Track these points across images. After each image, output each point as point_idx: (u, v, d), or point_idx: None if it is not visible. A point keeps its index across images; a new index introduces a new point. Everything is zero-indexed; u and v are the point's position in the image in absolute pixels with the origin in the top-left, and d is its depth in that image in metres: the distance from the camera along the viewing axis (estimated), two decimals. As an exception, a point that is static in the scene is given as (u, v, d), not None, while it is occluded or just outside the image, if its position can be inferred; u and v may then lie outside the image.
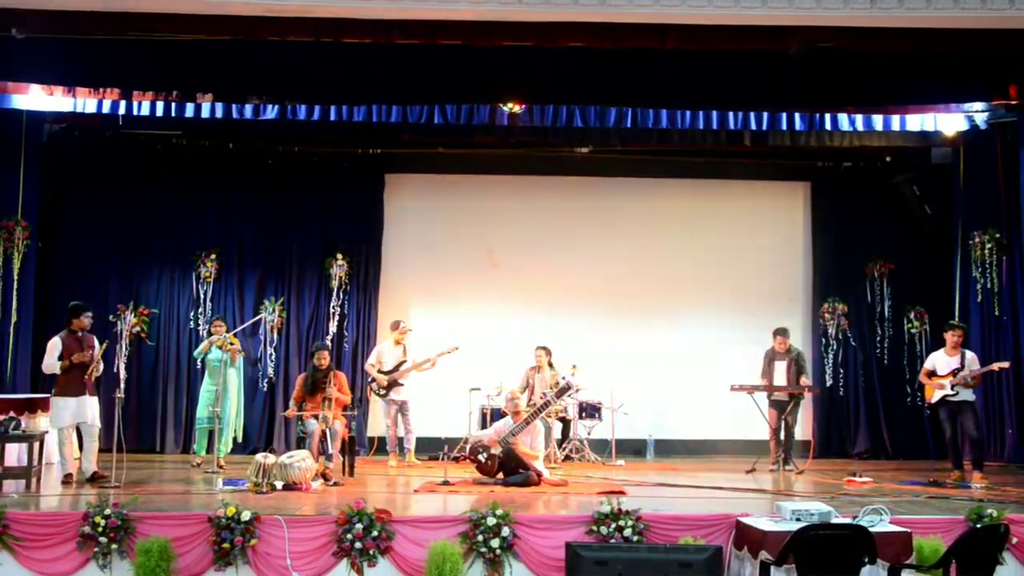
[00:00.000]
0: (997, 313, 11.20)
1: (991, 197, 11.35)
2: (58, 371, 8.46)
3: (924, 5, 7.56)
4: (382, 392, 10.70)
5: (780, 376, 10.51)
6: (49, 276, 11.65)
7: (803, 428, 11.42)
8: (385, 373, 10.68)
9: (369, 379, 11.00)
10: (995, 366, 9.48)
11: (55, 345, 8.52)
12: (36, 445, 8.31)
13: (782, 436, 10.48)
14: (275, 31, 8.10)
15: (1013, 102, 9.85)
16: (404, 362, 10.69)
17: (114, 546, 6.25)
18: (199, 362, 10.52)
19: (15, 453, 8.57)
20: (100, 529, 6.24)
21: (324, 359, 9.60)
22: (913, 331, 12.33)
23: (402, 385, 10.67)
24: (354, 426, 9.69)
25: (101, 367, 8.80)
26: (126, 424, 9.02)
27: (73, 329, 8.64)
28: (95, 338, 8.88)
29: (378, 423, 11.75)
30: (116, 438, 8.11)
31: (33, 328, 11.08)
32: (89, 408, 8.51)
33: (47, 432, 8.93)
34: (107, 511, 6.29)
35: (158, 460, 10.92)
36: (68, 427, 8.57)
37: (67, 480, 8.45)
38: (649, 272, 12.61)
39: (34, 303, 11.15)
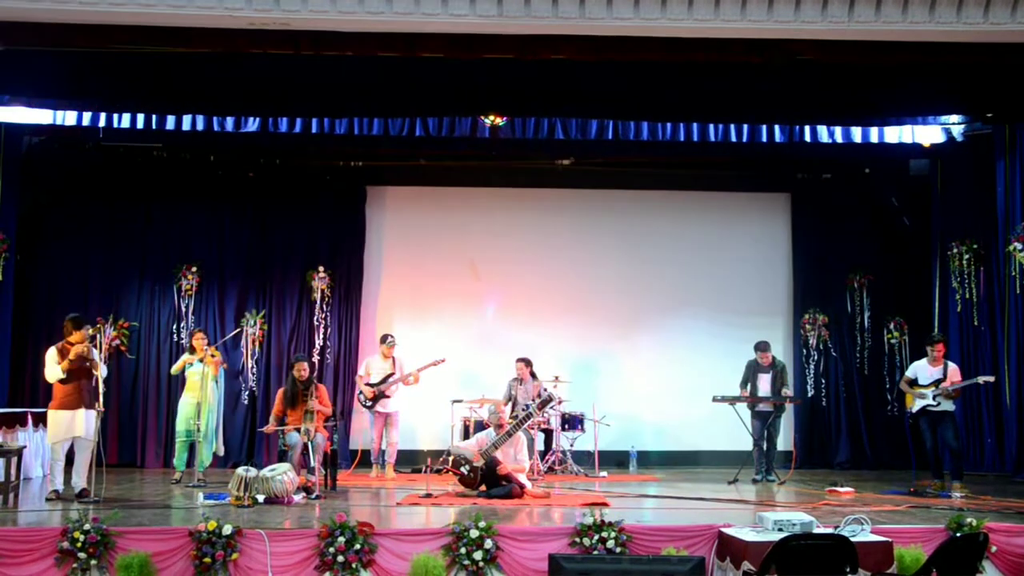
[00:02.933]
0: (976, 323, 11.31)
1: (969, 208, 11.49)
2: (62, 375, 8.18)
3: (900, 19, 7.62)
4: (369, 404, 10.68)
5: (765, 388, 10.54)
6: (28, 289, 11.57)
7: (785, 438, 11.46)
8: (372, 385, 10.67)
9: (358, 391, 10.99)
10: (980, 379, 9.55)
11: (51, 354, 8.29)
12: (14, 460, 8.20)
13: (764, 447, 10.52)
14: (256, 44, 8.07)
15: (989, 115, 9.99)
16: (392, 375, 10.68)
17: (93, 562, 6.15)
18: (180, 375, 10.42)
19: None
20: (79, 544, 6.14)
21: (304, 371, 9.55)
22: (893, 341, 12.41)
23: (389, 397, 10.66)
24: (336, 439, 9.63)
25: (98, 371, 8.29)
26: (106, 438, 8.94)
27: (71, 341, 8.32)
28: (93, 349, 8.45)
29: (360, 436, 11.73)
30: (96, 452, 8.07)
31: (11, 342, 11.01)
32: (84, 421, 8.23)
33: (25, 447, 8.81)
34: (86, 526, 6.19)
35: (139, 474, 10.82)
36: (62, 442, 8.30)
37: (52, 497, 8.21)
38: (631, 284, 12.63)
39: (12, 317, 11.08)
